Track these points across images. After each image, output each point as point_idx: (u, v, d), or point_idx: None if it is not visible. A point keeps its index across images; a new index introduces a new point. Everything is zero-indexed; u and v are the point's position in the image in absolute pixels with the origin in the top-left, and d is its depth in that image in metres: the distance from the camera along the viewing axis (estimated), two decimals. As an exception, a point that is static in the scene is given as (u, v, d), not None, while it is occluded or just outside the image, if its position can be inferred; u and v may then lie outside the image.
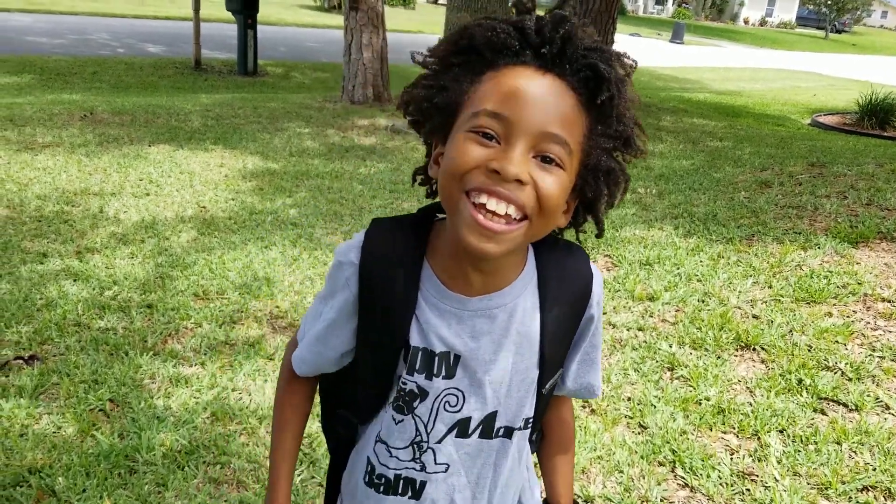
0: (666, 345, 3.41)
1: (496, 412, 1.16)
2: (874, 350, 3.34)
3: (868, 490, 2.51)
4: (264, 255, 4.25)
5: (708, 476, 2.56)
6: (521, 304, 1.12)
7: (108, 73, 11.90)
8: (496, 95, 0.98)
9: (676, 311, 3.77)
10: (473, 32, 1.02)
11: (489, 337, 1.11)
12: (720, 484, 2.53)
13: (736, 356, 3.37)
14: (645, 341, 3.47)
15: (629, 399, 3.02)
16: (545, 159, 0.97)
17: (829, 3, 64.44)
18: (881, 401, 3.00)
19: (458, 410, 1.14)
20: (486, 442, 1.17)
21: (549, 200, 0.98)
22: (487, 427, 1.16)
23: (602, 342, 1.24)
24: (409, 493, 1.20)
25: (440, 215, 1.13)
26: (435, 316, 1.10)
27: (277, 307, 3.64)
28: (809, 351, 3.35)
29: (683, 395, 3.03)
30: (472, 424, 1.15)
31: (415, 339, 1.11)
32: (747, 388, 3.13)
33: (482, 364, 1.12)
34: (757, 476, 2.58)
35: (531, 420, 1.21)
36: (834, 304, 3.74)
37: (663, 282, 4.05)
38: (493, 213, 0.96)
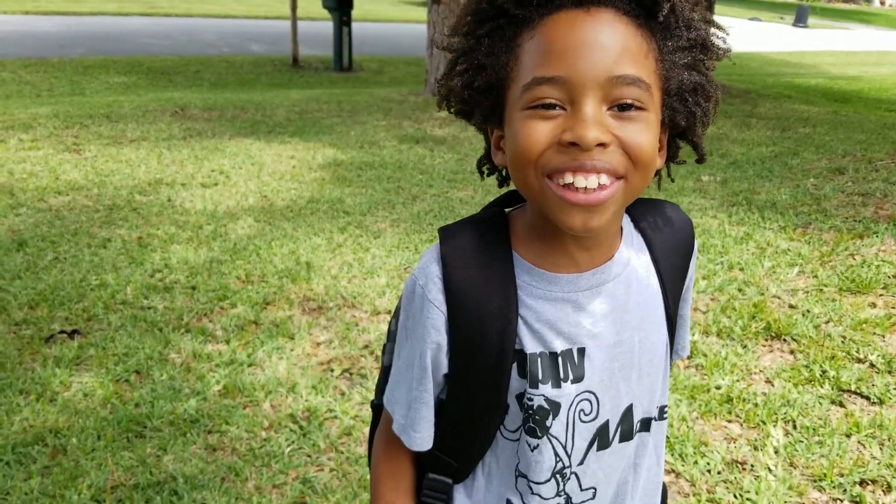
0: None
1: (631, 405, 1.01)
2: (913, 342, 3.16)
3: (866, 484, 2.40)
4: (310, 241, 4.42)
5: (696, 462, 2.51)
6: (632, 271, 0.99)
7: (209, 72, 12.51)
8: (542, 57, 0.84)
9: (711, 299, 3.67)
10: None
11: (610, 318, 0.97)
12: (707, 471, 2.48)
13: (764, 346, 3.27)
14: (670, 329, 3.40)
15: (636, 385, 2.99)
16: (622, 107, 0.83)
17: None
18: (908, 394, 2.85)
19: (595, 418, 0.99)
20: (626, 445, 1.03)
21: (641, 153, 0.85)
22: (626, 426, 1.01)
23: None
24: None
25: (508, 209, 1.03)
26: (545, 309, 0.95)
27: (311, 290, 3.79)
28: (843, 342, 3.21)
29: (693, 384, 2.97)
30: (612, 429, 1.00)
31: (529, 345, 0.95)
32: (766, 378, 3.03)
33: (608, 350, 0.98)
34: (750, 465, 2.52)
35: (665, 408, 1.07)
36: (881, 295, 3.56)
37: (703, 270, 3.95)
38: (585, 188, 0.84)
